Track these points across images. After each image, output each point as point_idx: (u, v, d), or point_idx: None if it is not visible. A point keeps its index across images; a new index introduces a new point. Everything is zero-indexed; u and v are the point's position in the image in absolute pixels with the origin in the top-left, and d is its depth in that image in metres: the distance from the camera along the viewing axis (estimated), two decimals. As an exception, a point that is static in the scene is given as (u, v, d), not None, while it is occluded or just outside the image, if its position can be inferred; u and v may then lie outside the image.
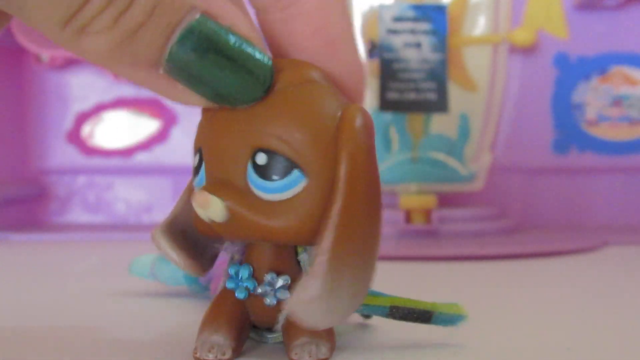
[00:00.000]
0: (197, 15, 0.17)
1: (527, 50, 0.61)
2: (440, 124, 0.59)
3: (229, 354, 0.20)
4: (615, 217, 0.61)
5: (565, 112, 0.61)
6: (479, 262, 0.42)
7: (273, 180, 0.18)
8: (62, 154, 0.67)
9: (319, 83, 0.19)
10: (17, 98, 0.67)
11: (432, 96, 0.56)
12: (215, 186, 0.18)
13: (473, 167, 0.58)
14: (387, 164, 0.56)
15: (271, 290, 0.20)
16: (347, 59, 0.20)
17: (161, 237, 0.21)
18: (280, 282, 0.20)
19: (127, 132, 0.67)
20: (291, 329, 0.20)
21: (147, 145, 0.66)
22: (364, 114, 0.19)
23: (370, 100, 0.61)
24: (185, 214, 0.21)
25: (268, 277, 0.20)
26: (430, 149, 0.56)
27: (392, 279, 0.37)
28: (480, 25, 0.61)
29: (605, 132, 0.61)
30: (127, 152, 0.67)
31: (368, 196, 0.18)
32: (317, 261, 0.17)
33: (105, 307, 0.30)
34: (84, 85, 0.67)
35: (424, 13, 0.56)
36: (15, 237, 0.56)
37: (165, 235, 0.21)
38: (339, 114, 0.19)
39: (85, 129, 0.67)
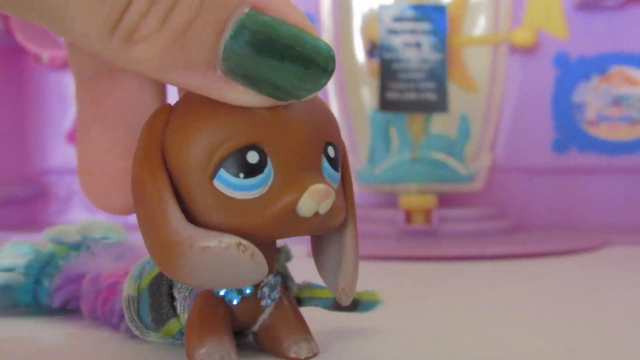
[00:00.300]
0: (247, 9, 0.16)
1: (527, 50, 0.61)
2: (440, 124, 0.59)
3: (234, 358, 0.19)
4: (615, 217, 0.61)
5: (565, 112, 0.61)
6: (479, 262, 0.42)
7: (338, 171, 0.19)
8: (62, 154, 0.67)
9: None
10: (17, 98, 0.67)
11: (432, 96, 0.56)
12: (311, 180, 0.18)
13: (473, 167, 0.58)
14: (387, 164, 0.56)
15: (269, 291, 0.20)
16: None
17: (251, 244, 0.18)
18: (277, 282, 0.20)
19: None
20: (276, 328, 0.20)
21: (147, 145, 0.66)
22: None
23: (370, 100, 0.61)
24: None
25: (270, 278, 0.20)
26: (430, 149, 0.56)
27: (392, 279, 0.37)
28: (480, 25, 0.61)
29: (605, 132, 0.61)
30: (127, 152, 0.67)
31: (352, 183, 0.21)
32: (353, 242, 0.20)
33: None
34: (84, 85, 0.67)
35: (424, 13, 0.56)
36: (15, 237, 0.56)
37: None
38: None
39: (85, 129, 0.67)
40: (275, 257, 0.20)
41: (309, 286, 0.23)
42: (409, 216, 0.53)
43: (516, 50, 0.61)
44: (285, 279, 0.21)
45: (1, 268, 0.27)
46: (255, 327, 0.20)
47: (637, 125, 0.60)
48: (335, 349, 0.22)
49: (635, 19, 0.60)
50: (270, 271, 0.20)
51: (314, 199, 0.17)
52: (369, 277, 0.37)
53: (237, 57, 0.16)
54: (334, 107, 0.60)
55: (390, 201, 0.59)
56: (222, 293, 0.20)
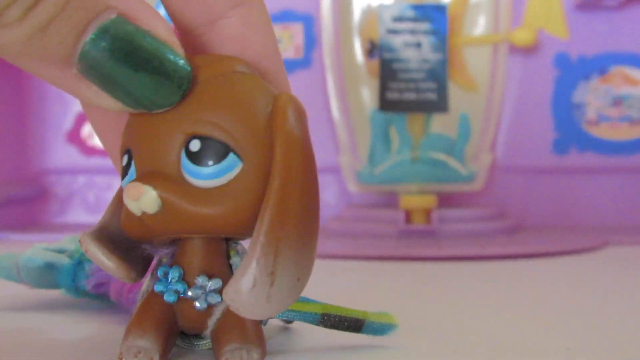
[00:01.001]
0: (113, 16, 0.17)
1: (527, 50, 0.61)
2: (441, 124, 0.59)
3: (156, 359, 0.19)
4: (615, 217, 0.61)
5: (565, 112, 0.61)
6: (479, 262, 0.42)
7: (208, 165, 0.18)
8: (62, 154, 0.67)
9: (245, 73, 0.19)
10: (17, 98, 0.67)
11: (432, 96, 0.56)
12: (146, 177, 0.18)
13: (473, 167, 0.58)
14: (387, 164, 0.56)
15: (202, 293, 0.19)
16: (274, 76, 0.20)
17: (91, 243, 0.19)
18: (211, 285, 0.19)
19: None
20: (221, 334, 0.19)
21: (147, 145, 0.66)
22: (296, 101, 0.19)
23: (370, 100, 0.61)
24: (116, 221, 0.20)
25: (199, 279, 0.19)
26: (430, 149, 0.56)
27: (392, 279, 0.37)
28: (480, 25, 0.61)
29: (605, 132, 0.61)
30: (127, 152, 0.67)
31: (304, 181, 0.18)
32: (254, 245, 0.17)
33: (105, 306, 0.30)
34: (84, 85, 0.67)
35: (424, 13, 0.56)
36: (15, 237, 0.56)
37: (96, 241, 0.19)
38: (270, 101, 0.19)
39: (85, 129, 0.67)
40: (218, 261, 0.20)
41: None
42: (409, 216, 0.53)
43: (516, 50, 0.61)
44: None
45: (52, 249, 0.29)
46: (207, 331, 0.20)
47: (637, 125, 0.60)
48: (332, 346, 0.22)
49: (636, 19, 0.60)
50: (200, 273, 0.19)
51: (127, 197, 0.18)
52: (369, 277, 0.37)
53: (93, 60, 0.17)
54: (334, 107, 0.60)
55: (390, 201, 0.59)
56: (158, 290, 0.19)
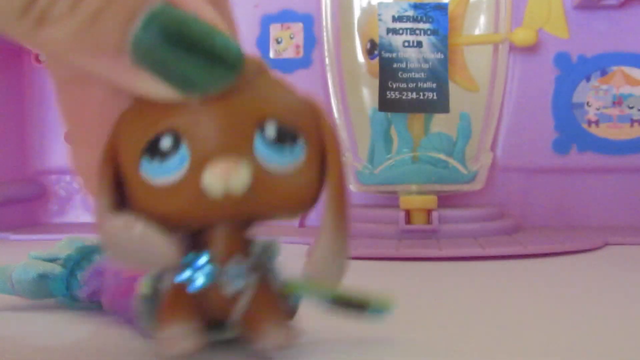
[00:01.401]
0: (160, 2, 0.17)
1: (528, 50, 0.61)
2: (441, 124, 0.59)
3: (194, 344, 0.19)
4: (615, 217, 0.60)
5: (565, 112, 0.61)
6: (479, 262, 0.42)
7: (283, 149, 0.18)
8: (62, 154, 0.67)
9: (272, 73, 0.20)
10: (17, 98, 0.67)
11: (432, 96, 0.56)
12: (230, 155, 0.18)
13: (473, 167, 0.58)
14: (387, 164, 0.56)
15: (232, 278, 0.19)
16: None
17: (141, 223, 0.18)
18: (241, 269, 0.19)
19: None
20: (253, 316, 0.19)
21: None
22: None
23: (370, 100, 0.61)
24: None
25: (231, 263, 0.19)
26: (430, 149, 0.56)
27: (392, 279, 0.37)
28: (480, 24, 0.61)
29: (605, 132, 0.61)
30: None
31: (343, 165, 0.20)
32: (331, 220, 0.19)
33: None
34: (84, 85, 0.67)
35: (424, 12, 0.56)
36: (15, 237, 0.56)
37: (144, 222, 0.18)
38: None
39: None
40: (244, 247, 0.20)
41: (300, 282, 0.21)
42: (409, 216, 0.53)
43: (516, 50, 0.61)
44: (265, 271, 0.20)
45: (44, 258, 0.29)
46: (235, 316, 0.20)
47: (638, 125, 0.60)
48: (330, 346, 0.22)
49: (636, 18, 0.60)
50: (229, 258, 0.19)
51: (217, 176, 0.17)
52: (369, 277, 0.37)
53: (145, 47, 0.16)
54: (334, 107, 0.60)
55: (390, 201, 0.59)
56: (184, 278, 0.19)
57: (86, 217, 0.67)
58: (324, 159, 0.20)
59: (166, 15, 0.17)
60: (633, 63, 0.60)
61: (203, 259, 0.19)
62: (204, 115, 0.18)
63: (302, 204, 0.19)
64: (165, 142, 0.18)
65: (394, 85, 0.56)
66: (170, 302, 0.19)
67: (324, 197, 0.19)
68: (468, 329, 0.24)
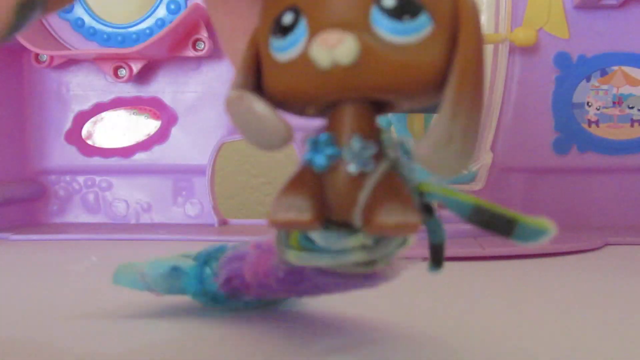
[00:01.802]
0: None
1: (528, 50, 0.61)
2: (441, 124, 0.58)
3: (308, 215, 0.18)
4: (615, 217, 0.60)
5: (565, 112, 0.61)
6: (479, 262, 0.42)
7: (403, 20, 0.17)
8: (62, 154, 0.67)
9: None
10: (17, 98, 0.67)
11: (432, 96, 0.56)
12: (339, 25, 0.17)
13: (473, 167, 0.58)
14: (387, 163, 0.56)
15: (357, 153, 0.18)
16: None
17: (250, 96, 0.18)
18: (366, 146, 0.18)
19: (127, 132, 0.67)
20: (375, 204, 0.18)
21: (147, 145, 0.66)
22: None
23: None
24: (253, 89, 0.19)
25: (353, 140, 0.18)
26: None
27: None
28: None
29: (606, 132, 0.61)
30: (127, 152, 0.67)
31: (482, 53, 0.18)
32: (449, 102, 0.17)
33: (105, 306, 0.30)
34: (84, 85, 0.67)
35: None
36: (15, 237, 0.56)
37: (255, 97, 0.18)
38: None
39: (85, 129, 0.67)
40: (371, 129, 0.19)
41: (439, 184, 0.19)
42: (409, 216, 0.53)
43: (516, 50, 0.61)
44: (397, 167, 0.19)
45: (180, 254, 0.28)
46: (358, 209, 0.18)
47: (638, 125, 0.60)
48: (327, 346, 0.21)
49: (636, 18, 0.60)
50: (354, 134, 0.18)
51: (322, 45, 0.17)
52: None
53: None
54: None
55: (391, 201, 0.59)
56: (307, 158, 0.19)
57: (86, 217, 0.67)
58: (456, 40, 0.18)
59: None
60: (633, 63, 0.60)
61: (324, 137, 0.18)
62: None
63: (419, 82, 0.18)
64: (287, 18, 0.18)
65: (394, 85, 0.56)
66: (292, 178, 0.19)
67: (454, 70, 0.17)
68: (467, 329, 0.24)
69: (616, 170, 0.61)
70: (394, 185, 0.18)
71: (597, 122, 0.61)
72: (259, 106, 0.18)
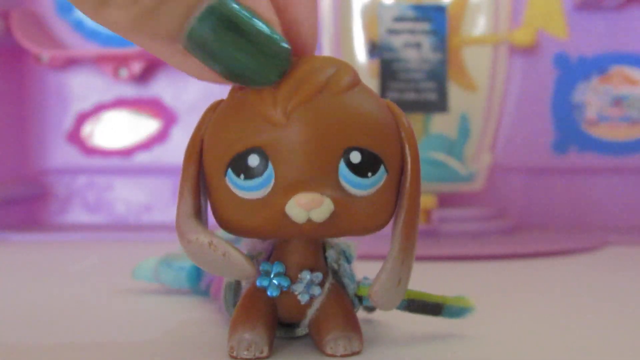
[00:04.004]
0: None
1: (527, 50, 0.61)
2: (440, 124, 0.59)
3: (266, 351, 0.20)
4: (615, 217, 0.61)
5: (565, 112, 0.61)
6: (479, 262, 0.42)
7: (367, 176, 0.19)
8: (62, 154, 0.67)
9: (360, 83, 0.20)
10: (17, 98, 0.67)
11: (432, 96, 0.56)
12: (312, 187, 0.18)
13: (473, 167, 0.58)
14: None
15: (305, 287, 0.20)
16: (304, 3, 0.20)
17: (227, 246, 0.19)
18: (314, 279, 0.20)
19: (127, 132, 0.67)
20: (321, 324, 0.21)
21: (147, 145, 0.66)
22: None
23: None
24: (204, 216, 0.20)
25: (303, 274, 0.20)
26: (430, 149, 0.56)
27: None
28: (480, 25, 0.61)
29: (605, 132, 0.61)
30: (127, 152, 0.67)
31: (420, 182, 0.20)
32: (397, 247, 0.19)
33: (105, 306, 0.30)
34: (84, 85, 0.67)
35: (423, 13, 0.56)
36: (15, 237, 0.56)
37: (228, 244, 0.19)
38: (386, 108, 0.20)
39: (85, 129, 0.67)
40: (316, 255, 0.21)
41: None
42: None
43: (516, 50, 0.61)
44: (339, 276, 0.22)
45: (188, 282, 0.31)
46: (306, 321, 0.21)
47: (637, 126, 0.60)
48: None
49: (635, 19, 0.60)
50: (302, 268, 0.20)
51: (301, 207, 0.18)
52: (369, 277, 0.37)
53: (198, 38, 0.17)
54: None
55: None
56: (261, 284, 0.20)
57: (86, 217, 0.67)
58: (401, 177, 0.20)
59: (223, 9, 0.17)
60: (633, 63, 0.60)
61: (277, 270, 0.20)
62: (291, 136, 0.18)
63: (379, 225, 0.20)
64: (253, 161, 0.18)
65: (394, 86, 0.56)
66: (246, 304, 0.21)
67: (397, 220, 0.20)
68: (467, 328, 0.24)
69: (615, 170, 0.61)
70: (338, 300, 0.21)
71: (596, 123, 0.61)
72: (234, 253, 0.19)
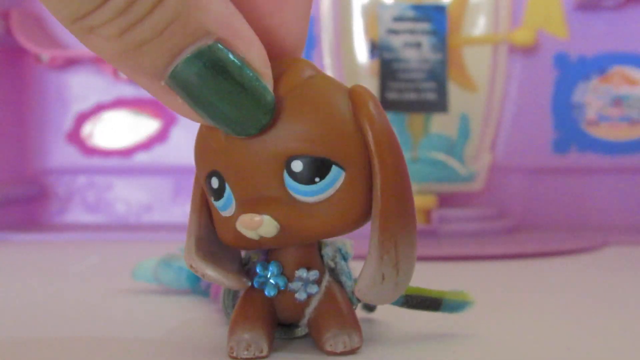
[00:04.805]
0: (210, 42, 0.17)
1: (527, 50, 0.61)
2: (440, 124, 0.59)
3: (265, 351, 0.20)
4: (615, 217, 0.61)
5: (565, 112, 0.61)
6: (479, 262, 0.42)
7: (315, 182, 0.18)
8: (62, 154, 0.67)
9: (315, 76, 0.19)
10: (17, 98, 0.67)
11: (432, 96, 0.56)
12: (257, 204, 0.18)
13: (473, 167, 0.58)
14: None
15: (302, 285, 0.20)
16: (295, 4, 0.19)
17: (201, 263, 0.20)
18: (311, 277, 0.20)
19: (127, 132, 0.67)
20: (319, 322, 0.21)
21: (147, 145, 0.66)
22: (368, 90, 0.19)
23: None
24: (206, 231, 0.21)
25: (300, 272, 0.20)
26: (430, 149, 0.56)
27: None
28: (480, 25, 0.61)
29: (605, 132, 0.61)
30: (127, 152, 0.67)
31: (399, 169, 0.19)
32: (375, 243, 0.19)
33: (105, 306, 0.30)
34: (84, 85, 0.67)
35: (424, 13, 0.56)
36: (15, 237, 0.56)
37: (204, 260, 0.20)
38: (346, 96, 0.19)
39: (85, 129, 0.67)
40: (312, 253, 0.21)
41: None
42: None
43: (516, 50, 0.61)
44: (336, 274, 0.22)
45: (187, 283, 0.31)
46: (304, 320, 0.21)
47: (637, 125, 0.60)
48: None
49: (636, 19, 0.60)
50: (298, 266, 0.20)
51: (245, 228, 0.18)
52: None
53: (182, 80, 0.17)
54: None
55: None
56: (258, 285, 0.21)
57: (86, 217, 0.67)
58: (373, 171, 0.19)
59: (212, 55, 0.17)
60: (633, 63, 0.60)
61: (273, 269, 0.20)
62: (235, 156, 0.19)
63: (351, 223, 0.19)
64: (214, 183, 0.19)
65: (394, 86, 0.56)
66: (244, 304, 0.21)
67: (373, 216, 0.19)
68: (467, 329, 0.24)
69: (615, 170, 0.61)
70: (336, 298, 0.21)
71: (596, 122, 0.61)
72: (211, 273, 0.20)
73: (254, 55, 0.17)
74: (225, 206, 0.19)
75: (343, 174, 0.18)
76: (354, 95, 0.19)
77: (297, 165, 0.18)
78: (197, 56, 0.16)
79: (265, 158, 0.18)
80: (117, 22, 0.16)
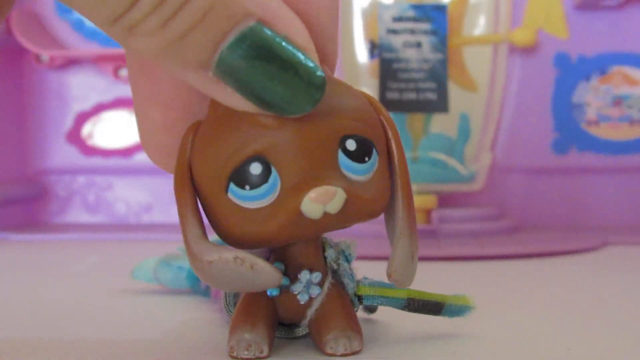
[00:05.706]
0: (252, 23, 0.16)
1: (527, 50, 0.61)
2: (440, 124, 0.59)
3: (266, 351, 0.20)
4: (615, 217, 0.60)
5: (565, 112, 0.61)
6: (479, 262, 0.42)
7: (365, 161, 0.19)
8: (62, 154, 0.67)
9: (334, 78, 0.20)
10: (17, 98, 0.67)
11: (432, 96, 0.56)
12: (318, 182, 0.18)
13: (473, 167, 0.58)
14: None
15: (305, 287, 0.20)
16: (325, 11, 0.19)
17: (246, 254, 0.19)
18: (314, 278, 0.20)
19: (127, 132, 0.67)
20: (320, 324, 0.21)
21: (147, 145, 0.66)
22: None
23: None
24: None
25: (303, 274, 0.20)
26: (430, 148, 0.56)
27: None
28: (480, 25, 0.61)
29: (605, 132, 0.61)
30: (127, 152, 0.67)
31: (406, 162, 0.21)
32: (404, 225, 0.20)
33: (105, 306, 0.30)
34: (84, 85, 0.67)
35: (424, 13, 0.56)
36: (15, 237, 0.56)
37: (250, 255, 0.19)
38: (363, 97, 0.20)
39: (85, 129, 0.67)
40: (316, 255, 0.21)
41: (374, 284, 0.22)
42: (409, 216, 0.53)
43: (516, 50, 0.61)
44: (338, 275, 0.22)
45: (187, 282, 0.31)
46: (305, 321, 0.21)
47: (637, 126, 0.60)
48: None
49: (636, 19, 0.60)
50: (302, 268, 0.20)
51: (317, 202, 0.18)
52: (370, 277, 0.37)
53: (230, 66, 0.17)
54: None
55: (390, 201, 0.59)
56: None
57: (86, 217, 0.67)
58: (389, 159, 0.20)
59: (255, 37, 0.17)
60: (633, 63, 0.60)
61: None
62: (286, 137, 0.18)
63: (382, 207, 0.20)
64: (255, 169, 0.18)
65: (394, 86, 0.56)
66: (246, 304, 0.21)
67: (395, 200, 0.20)
68: (467, 329, 0.24)
69: (615, 170, 0.61)
70: (338, 300, 0.21)
71: (596, 123, 0.61)
72: (262, 263, 0.19)
73: (296, 32, 0.17)
74: (267, 193, 0.18)
75: (378, 158, 0.20)
76: (367, 95, 0.21)
77: (352, 144, 0.19)
78: (241, 39, 0.16)
79: (322, 136, 0.18)
80: (156, 15, 0.16)
